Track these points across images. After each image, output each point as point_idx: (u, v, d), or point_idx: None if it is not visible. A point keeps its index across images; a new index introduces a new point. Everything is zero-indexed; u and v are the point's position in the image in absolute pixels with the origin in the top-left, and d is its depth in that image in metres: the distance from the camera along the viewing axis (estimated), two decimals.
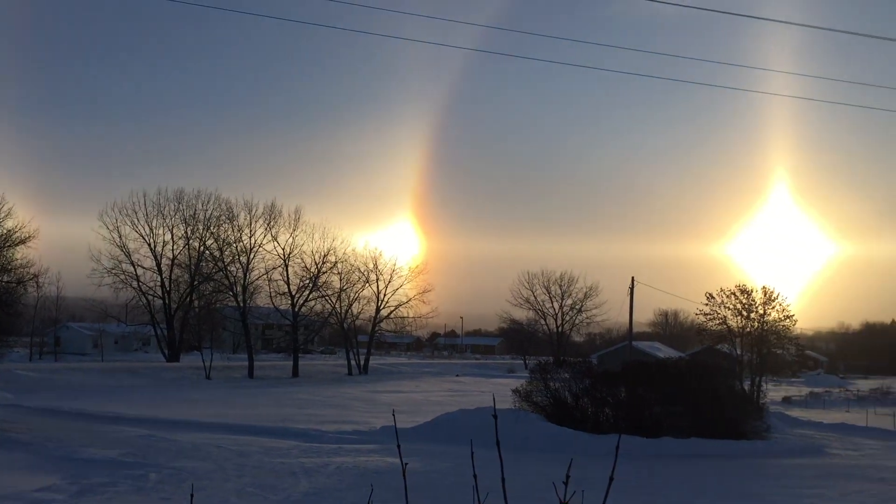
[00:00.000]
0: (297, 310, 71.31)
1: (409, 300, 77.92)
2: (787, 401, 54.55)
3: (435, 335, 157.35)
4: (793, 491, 17.96)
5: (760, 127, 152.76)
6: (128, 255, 72.75)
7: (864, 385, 77.92)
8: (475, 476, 2.73)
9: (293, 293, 70.82)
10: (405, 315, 78.65)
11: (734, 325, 42.59)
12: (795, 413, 44.42)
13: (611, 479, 2.52)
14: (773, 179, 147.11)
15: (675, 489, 17.80)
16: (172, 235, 74.01)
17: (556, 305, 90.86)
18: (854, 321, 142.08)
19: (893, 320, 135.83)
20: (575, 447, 24.15)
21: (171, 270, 74.66)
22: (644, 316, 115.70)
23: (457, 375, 77.07)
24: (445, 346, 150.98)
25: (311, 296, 72.17)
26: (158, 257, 73.88)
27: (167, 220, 73.85)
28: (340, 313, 75.09)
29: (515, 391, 28.66)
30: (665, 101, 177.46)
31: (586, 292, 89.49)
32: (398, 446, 2.81)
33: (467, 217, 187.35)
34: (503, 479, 2.60)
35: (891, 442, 32.67)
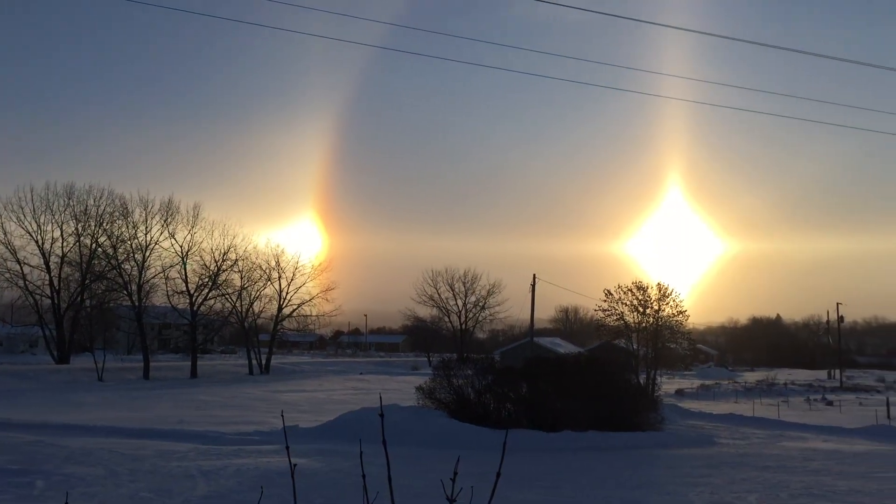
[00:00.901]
0: (195, 309, 69.47)
1: (312, 298, 77.20)
2: (680, 393, 56.72)
3: (338, 333, 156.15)
4: (684, 479, 18.69)
5: (656, 129, 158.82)
6: (13, 252, 69.09)
7: (751, 377, 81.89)
8: (364, 476, 2.78)
9: (191, 292, 68.99)
10: (308, 313, 77.85)
11: (631, 320, 44.02)
12: (688, 405, 46.25)
13: (498, 474, 2.56)
14: (669, 179, 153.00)
15: (573, 481, 18.23)
16: (62, 232, 70.67)
17: (460, 303, 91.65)
18: (742, 316, 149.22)
19: (778, 315, 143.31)
20: (478, 443, 24.44)
21: (61, 268, 71.26)
22: (546, 312, 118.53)
23: (360, 374, 76.74)
24: (349, 344, 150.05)
25: (210, 294, 70.52)
26: (46, 255, 70.40)
27: (56, 217, 70.49)
28: (241, 312, 73.63)
29: (419, 388, 28.78)
30: (567, 101, 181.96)
31: (489, 289, 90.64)
32: (287, 447, 2.80)
33: (371, 214, 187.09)
34: (389, 479, 2.62)
35: (775, 431, 34.43)
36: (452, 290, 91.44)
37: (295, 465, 2.72)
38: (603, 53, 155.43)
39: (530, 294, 52.74)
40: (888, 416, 41.11)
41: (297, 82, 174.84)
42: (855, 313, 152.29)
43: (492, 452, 23.55)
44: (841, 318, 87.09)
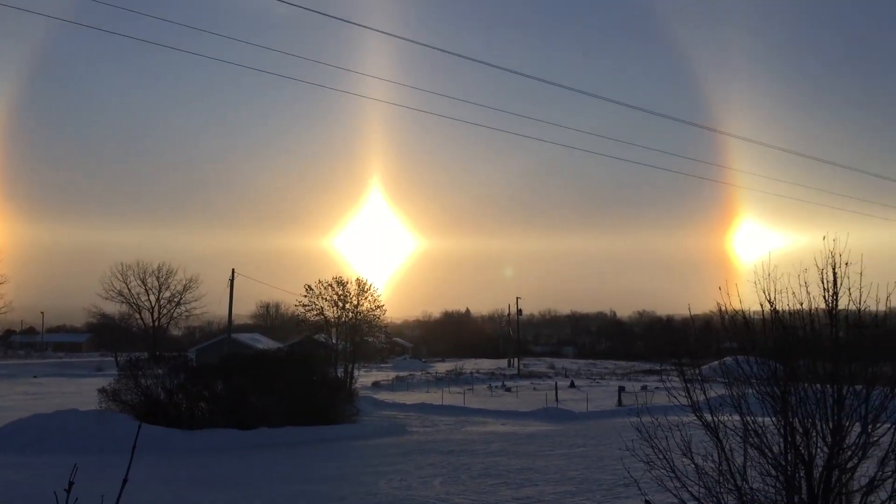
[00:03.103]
0: None
1: None
2: (376, 385, 58.75)
3: (9, 333, 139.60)
4: (376, 469, 19.45)
5: (361, 129, 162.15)
6: None
7: (442, 367, 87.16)
8: None
9: None
10: None
11: (331, 315, 44.62)
12: (383, 396, 48.13)
13: (124, 481, 2.51)
14: (372, 177, 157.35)
15: (266, 478, 18.13)
16: None
17: (153, 298, 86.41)
18: (436, 310, 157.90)
19: (468, 309, 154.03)
20: (169, 445, 23.39)
21: None
22: (246, 308, 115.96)
23: (34, 377, 69.71)
24: (22, 344, 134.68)
25: None
26: None
27: None
28: None
29: (102, 391, 26.88)
30: (273, 96, 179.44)
31: (186, 284, 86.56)
32: None
33: (52, 201, 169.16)
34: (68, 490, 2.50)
35: (460, 417, 37.06)
36: (145, 285, 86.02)
37: None
38: (311, 51, 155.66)
39: (229, 289, 51.39)
40: (556, 399, 46.07)
41: None
42: (532, 306, 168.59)
43: (184, 455, 22.67)
44: (520, 312, 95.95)
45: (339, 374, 40.17)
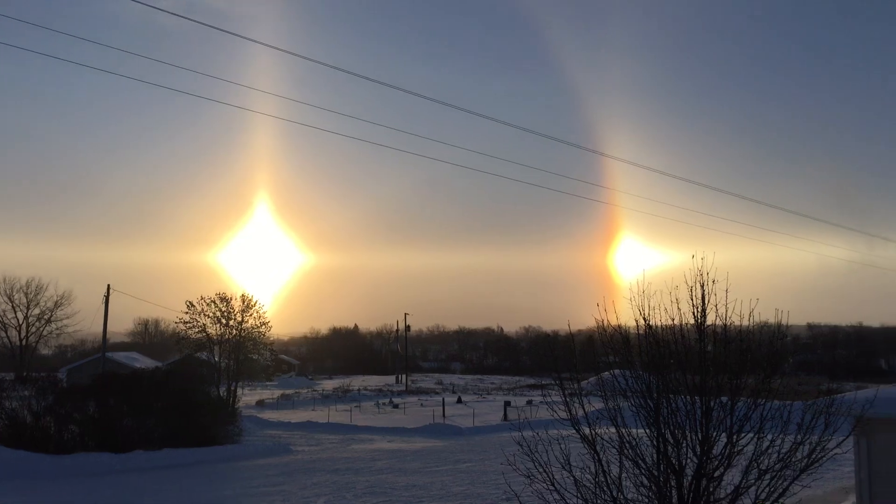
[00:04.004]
0: None
1: None
2: (260, 404, 57.34)
3: None
4: (258, 490, 18.96)
5: (248, 143, 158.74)
6: None
7: (330, 384, 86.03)
8: None
9: None
10: None
11: (213, 332, 43.32)
12: (268, 415, 47.03)
13: None
14: (258, 191, 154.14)
15: None
16: None
17: (21, 316, 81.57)
18: (324, 326, 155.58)
19: (356, 325, 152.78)
20: (35, 471, 22.10)
21: None
22: (123, 325, 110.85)
23: None
24: None
25: None
26: None
27: None
28: None
29: None
30: (155, 107, 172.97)
31: (57, 301, 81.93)
32: None
33: None
34: None
35: (347, 435, 36.67)
36: (11, 302, 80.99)
37: None
38: (198, 63, 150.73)
39: (104, 305, 49.06)
40: (444, 415, 46.28)
41: None
42: (421, 322, 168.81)
43: (53, 481, 21.41)
44: (408, 327, 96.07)
45: (221, 394, 39.01)
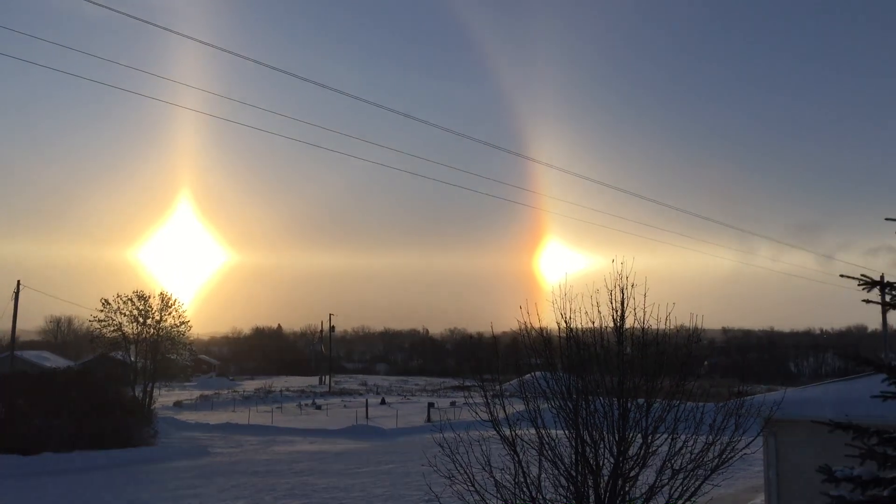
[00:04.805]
0: None
1: None
2: (178, 405, 55.91)
3: None
4: (174, 493, 18.50)
5: (172, 138, 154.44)
6: None
7: (251, 385, 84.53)
8: None
9: None
10: None
11: (130, 331, 42.04)
12: (185, 416, 45.92)
13: None
14: (181, 189, 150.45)
15: None
16: None
17: None
18: (246, 326, 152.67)
19: (280, 325, 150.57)
20: None
21: None
22: (33, 323, 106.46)
23: None
24: None
25: None
26: None
27: None
28: None
29: None
30: (79, 99, 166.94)
31: None
32: None
33: None
34: None
35: (267, 437, 36.09)
36: None
37: None
38: (122, 55, 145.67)
39: (13, 302, 47.11)
40: (367, 416, 46.05)
41: None
42: (345, 323, 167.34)
43: None
44: (332, 328, 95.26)
45: (137, 394, 37.92)
